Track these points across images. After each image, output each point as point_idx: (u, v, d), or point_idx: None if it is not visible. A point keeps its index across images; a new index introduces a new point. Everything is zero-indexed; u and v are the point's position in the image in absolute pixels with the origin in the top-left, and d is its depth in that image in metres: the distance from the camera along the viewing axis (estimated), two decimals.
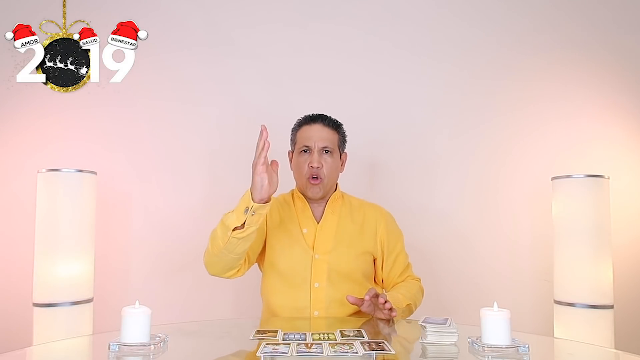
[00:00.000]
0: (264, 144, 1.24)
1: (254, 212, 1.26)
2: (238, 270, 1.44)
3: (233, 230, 1.28)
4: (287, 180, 1.70)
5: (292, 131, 1.61)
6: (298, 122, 1.60)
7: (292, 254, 1.51)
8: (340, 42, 2.22)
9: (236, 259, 1.38)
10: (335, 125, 1.58)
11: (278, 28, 2.22)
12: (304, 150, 1.53)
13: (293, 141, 1.60)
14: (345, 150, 1.63)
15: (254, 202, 1.25)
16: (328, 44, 2.22)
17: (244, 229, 1.28)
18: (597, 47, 2.23)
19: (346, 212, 1.59)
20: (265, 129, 1.26)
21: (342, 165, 1.62)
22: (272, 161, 1.31)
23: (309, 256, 1.50)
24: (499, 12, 2.24)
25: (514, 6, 2.25)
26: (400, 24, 2.24)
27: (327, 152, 1.53)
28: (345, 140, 1.63)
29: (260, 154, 1.25)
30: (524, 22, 2.24)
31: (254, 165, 1.25)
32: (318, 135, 1.53)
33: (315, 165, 1.50)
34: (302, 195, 1.58)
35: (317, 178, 1.50)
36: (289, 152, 1.63)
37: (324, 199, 1.58)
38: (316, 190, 1.52)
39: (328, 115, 1.59)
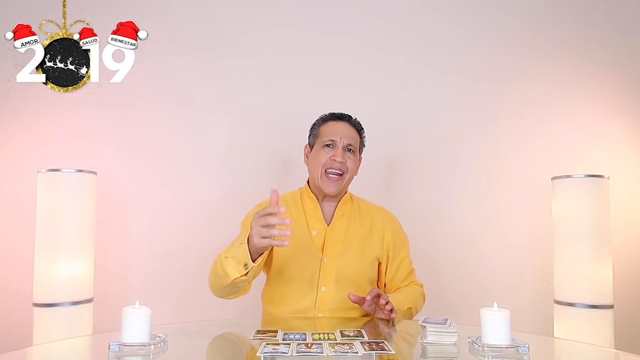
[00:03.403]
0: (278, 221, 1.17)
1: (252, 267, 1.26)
2: (244, 290, 1.44)
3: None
4: (295, 182, 1.71)
5: (314, 126, 1.61)
6: (323, 118, 1.61)
7: (301, 257, 1.49)
8: (340, 47, 2.22)
9: (243, 287, 1.39)
10: (359, 127, 1.60)
11: (279, 33, 2.22)
12: (327, 144, 1.52)
13: (315, 135, 1.58)
14: (361, 155, 1.64)
15: (254, 262, 1.24)
16: (328, 50, 2.22)
17: (247, 276, 1.28)
18: (596, 47, 2.23)
19: (355, 215, 1.59)
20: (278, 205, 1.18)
21: (357, 167, 1.63)
22: (282, 241, 1.18)
23: (317, 259, 1.49)
24: (495, 16, 2.25)
25: (510, 9, 2.25)
26: (399, 29, 2.24)
27: (350, 150, 1.53)
28: (364, 144, 1.64)
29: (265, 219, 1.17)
30: (521, 24, 2.24)
31: (257, 239, 1.18)
32: (345, 132, 1.54)
33: (339, 159, 1.49)
34: (313, 195, 1.57)
35: (339, 173, 1.50)
36: (305, 146, 1.63)
37: (336, 198, 1.57)
38: (334, 186, 1.50)
39: (354, 117, 1.61)
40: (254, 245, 1.21)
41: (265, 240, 1.17)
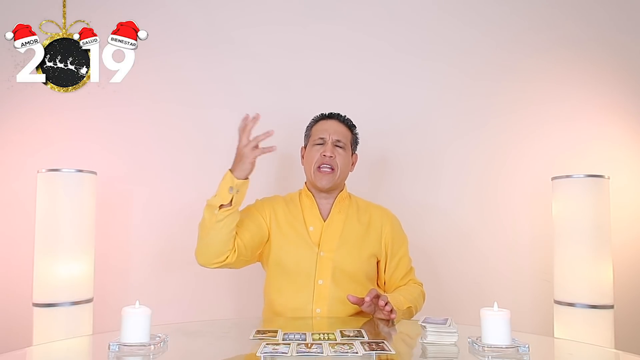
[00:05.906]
0: (248, 127, 1.40)
1: (237, 190, 1.36)
2: (227, 257, 1.44)
3: (220, 208, 1.37)
4: (297, 178, 1.71)
5: (307, 128, 1.67)
6: (314, 119, 1.67)
7: (297, 251, 1.52)
8: (339, 43, 2.22)
9: (224, 242, 1.42)
10: (349, 125, 1.65)
11: (278, 29, 2.22)
12: (318, 142, 1.57)
13: (308, 136, 1.65)
14: (356, 152, 1.67)
15: (238, 179, 1.36)
16: (327, 45, 2.22)
17: (232, 206, 1.37)
18: (596, 47, 2.23)
19: (353, 212, 1.61)
20: (248, 116, 1.41)
21: (352, 165, 1.66)
22: (270, 147, 1.38)
23: (314, 253, 1.51)
24: (497, 13, 2.24)
25: (511, 6, 2.24)
26: (398, 25, 2.24)
27: (340, 146, 1.57)
28: (357, 142, 1.68)
29: (247, 137, 1.38)
30: (522, 22, 2.24)
31: (248, 150, 1.36)
32: (333, 129, 1.59)
33: (328, 154, 1.54)
34: (310, 193, 1.60)
35: (329, 167, 1.54)
36: (301, 148, 1.67)
37: (332, 194, 1.60)
38: (327, 179, 1.54)
39: (344, 114, 1.65)
40: (244, 162, 1.37)
41: (257, 149, 1.36)
